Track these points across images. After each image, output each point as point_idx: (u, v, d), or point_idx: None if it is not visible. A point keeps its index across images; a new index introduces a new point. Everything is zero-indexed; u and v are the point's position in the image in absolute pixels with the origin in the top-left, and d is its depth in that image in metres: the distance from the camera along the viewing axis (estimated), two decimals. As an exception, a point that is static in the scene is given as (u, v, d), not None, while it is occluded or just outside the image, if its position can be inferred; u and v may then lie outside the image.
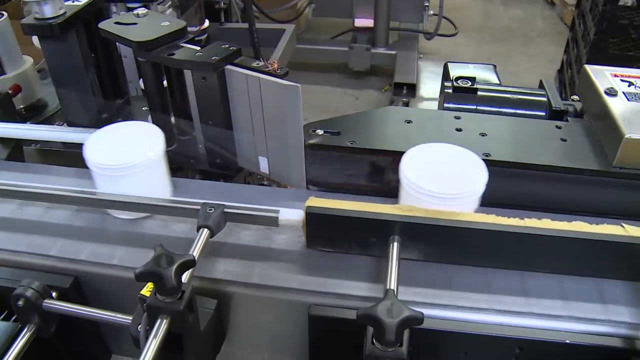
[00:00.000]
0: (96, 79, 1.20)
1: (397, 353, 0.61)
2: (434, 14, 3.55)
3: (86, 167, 1.00)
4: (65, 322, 0.82)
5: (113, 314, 0.77)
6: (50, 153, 1.19)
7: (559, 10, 4.69)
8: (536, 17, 4.72)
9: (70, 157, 1.18)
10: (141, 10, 0.99)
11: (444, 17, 3.58)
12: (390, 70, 3.45)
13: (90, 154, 0.85)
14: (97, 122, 1.20)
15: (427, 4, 3.53)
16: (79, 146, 1.14)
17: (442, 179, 0.77)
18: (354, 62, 3.54)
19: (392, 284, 0.68)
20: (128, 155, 0.83)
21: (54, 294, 0.79)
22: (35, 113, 1.30)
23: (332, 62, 3.67)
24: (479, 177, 0.77)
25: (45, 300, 0.78)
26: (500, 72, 1.20)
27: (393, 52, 3.49)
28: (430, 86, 3.51)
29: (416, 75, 3.32)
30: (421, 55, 3.79)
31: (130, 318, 0.73)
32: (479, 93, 1.05)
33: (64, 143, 1.19)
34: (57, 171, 1.01)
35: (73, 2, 1.11)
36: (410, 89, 3.17)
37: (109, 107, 1.24)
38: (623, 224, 0.73)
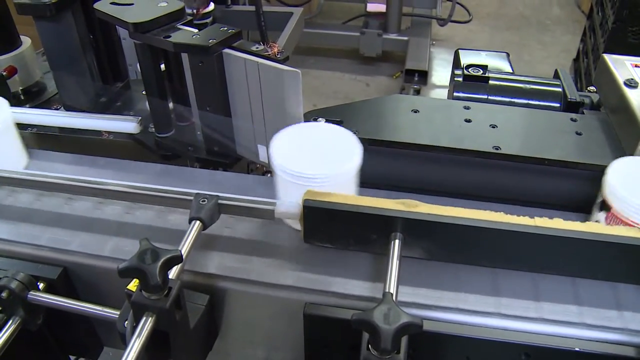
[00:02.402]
0: (94, 61, 1.16)
1: (395, 360, 0.57)
2: (447, 0, 3.48)
3: (82, 153, 0.98)
4: (55, 313, 0.79)
5: (100, 308, 0.74)
6: (47, 137, 1.16)
7: (576, -2, 4.60)
8: (552, 4, 4.63)
9: (67, 141, 1.15)
10: (138, -10, 0.95)
11: (458, 3, 3.51)
12: (402, 56, 3.39)
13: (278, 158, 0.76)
14: (95, 106, 1.17)
15: (440, -10, 3.47)
16: (76, 130, 1.12)
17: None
18: (365, 48, 3.49)
19: (392, 286, 0.64)
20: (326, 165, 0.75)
21: (41, 285, 0.77)
22: (33, 96, 1.26)
23: (343, 47, 3.62)
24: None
25: (31, 292, 0.75)
26: (514, 61, 1.15)
27: (405, 38, 3.43)
28: (442, 74, 3.45)
29: (428, 62, 3.26)
30: (434, 42, 3.72)
31: (117, 313, 0.70)
32: (491, 82, 1.00)
33: (60, 127, 1.16)
34: (50, 157, 0.97)
35: (70, -19, 1.07)
36: (422, 76, 3.12)
37: (108, 91, 1.20)
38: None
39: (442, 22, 3.58)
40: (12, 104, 0.94)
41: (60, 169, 0.94)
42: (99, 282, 0.80)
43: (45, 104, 1.24)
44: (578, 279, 0.73)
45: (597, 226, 0.68)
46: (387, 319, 0.54)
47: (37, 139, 1.17)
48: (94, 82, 1.16)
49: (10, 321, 0.76)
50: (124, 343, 0.67)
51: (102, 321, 0.84)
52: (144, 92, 1.22)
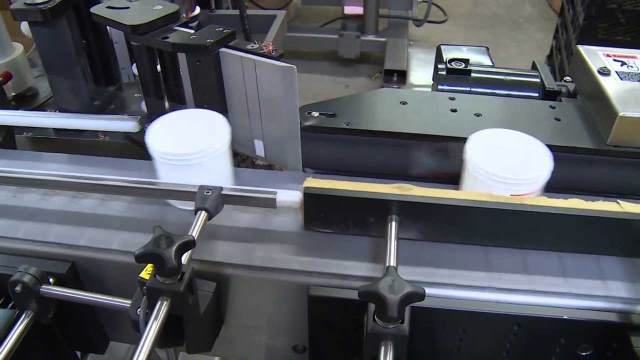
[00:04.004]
0: (88, 65, 1.19)
1: (400, 329, 0.61)
2: (423, 1, 3.55)
3: (79, 153, 1.00)
4: (63, 308, 0.82)
5: (111, 298, 0.77)
6: (43, 141, 1.19)
7: (547, -4, 4.71)
8: (524, 3, 4.73)
9: (63, 144, 1.18)
10: (133, -6, 0.98)
11: (433, 4, 3.58)
12: (380, 57, 3.45)
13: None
14: (89, 109, 1.20)
15: (416, -9, 3.54)
16: (72, 133, 1.15)
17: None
18: (343, 50, 3.54)
19: (392, 261, 0.69)
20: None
21: (51, 280, 0.79)
22: (27, 101, 1.29)
23: (322, 50, 3.67)
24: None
25: (43, 286, 0.77)
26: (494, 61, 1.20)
27: (383, 39, 3.49)
28: (420, 73, 3.52)
29: (406, 62, 3.32)
30: (411, 42, 3.79)
31: (129, 302, 0.73)
32: (473, 75, 1.05)
33: (56, 130, 1.19)
34: (51, 158, 1.00)
35: (63, -13, 1.10)
36: (401, 76, 3.18)
37: (101, 94, 1.23)
38: (618, 201, 0.74)
39: (419, 22, 3.64)
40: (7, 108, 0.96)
41: (60, 168, 0.97)
42: (106, 275, 0.82)
43: (40, 109, 1.27)
44: (563, 253, 0.78)
45: (579, 202, 0.74)
46: (392, 289, 0.58)
47: (32, 143, 1.20)
48: (87, 85, 1.18)
49: (24, 315, 0.78)
50: (136, 330, 0.70)
51: (110, 314, 0.87)
52: (136, 95, 1.26)
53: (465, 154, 0.80)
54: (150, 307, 0.67)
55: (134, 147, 1.11)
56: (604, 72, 0.94)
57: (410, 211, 0.74)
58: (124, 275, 0.79)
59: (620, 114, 0.83)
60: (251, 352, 0.88)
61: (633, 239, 0.74)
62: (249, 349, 0.88)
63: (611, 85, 0.90)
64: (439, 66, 1.07)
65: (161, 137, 0.83)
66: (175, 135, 0.84)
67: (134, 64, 1.14)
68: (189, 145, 0.81)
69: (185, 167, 0.81)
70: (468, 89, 1.04)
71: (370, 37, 3.52)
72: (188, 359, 1.33)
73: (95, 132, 1.15)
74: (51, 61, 1.13)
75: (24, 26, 1.28)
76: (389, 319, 0.60)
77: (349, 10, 3.65)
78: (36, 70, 1.37)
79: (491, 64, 1.14)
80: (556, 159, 0.87)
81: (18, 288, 0.76)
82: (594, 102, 0.93)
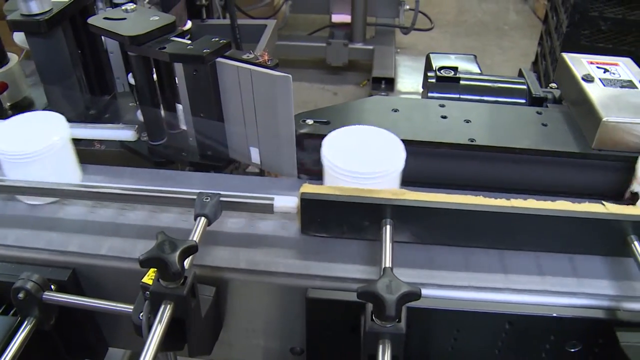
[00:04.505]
0: (83, 75, 1.21)
1: (397, 328, 0.63)
2: (410, 9, 3.59)
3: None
4: (63, 314, 0.83)
5: (113, 304, 0.79)
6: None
7: (531, 4, 4.77)
8: (509, 10, 4.79)
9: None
10: (130, 6, 1.00)
11: (420, 12, 3.62)
12: (368, 65, 3.49)
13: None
14: (85, 119, 1.21)
15: (402, -1, 3.58)
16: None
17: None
18: (331, 58, 3.57)
19: (388, 262, 0.71)
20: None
21: (52, 287, 0.80)
22: (23, 111, 1.30)
23: (310, 58, 3.70)
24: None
25: (45, 293, 0.79)
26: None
27: (370, 47, 3.53)
28: (407, 80, 3.56)
29: (394, 69, 3.35)
30: (398, 50, 3.83)
31: (130, 307, 0.75)
32: (462, 82, 1.08)
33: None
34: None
35: (59, -1, 1.12)
36: (389, 83, 3.22)
37: (97, 103, 1.25)
38: (603, 202, 0.77)
39: (405, 30, 3.69)
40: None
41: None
42: (106, 281, 0.84)
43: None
44: (552, 253, 0.80)
45: (566, 204, 0.76)
46: (389, 289, 0.61)
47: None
48: (83, 95, 1.20)
49: (26, 322, 0.79)
50: (139, 334, 0.71)
51: (109, 320, 0.89)
52: (131, 104, 1.28)
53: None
54: (154, 312, 0.68)
55: (130, 156, 1.13)
56: (588, 79, 0.97)
57: (404, 215, 0.77)
58: (123, 281, 0.81)
59: (604, 119, 0.86)
60: (249, 355, 0.90)
61: (617, 238, 0.76)
62: (247, 352, 0.90)
63: (595, 92, 0.93)
64: (429, 74, 1.10)
65: (338, 151, 0.84)
66: (351, 151, 0.84)
67: (129, 74, 1.16)
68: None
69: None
70: (457, 96, 1.06)
71: (358, 45, 3.55)
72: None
73: (90, 141, 1.16)
74: (47, 71, 1.15)
75: (17, 36, 1.30)
76: (387, 318, 0.62)
77: (337, 18, 3.69)
78: (32, 81, 1.38)
79: (479, 71, 1.17)
80: (543, 163, 0.90)
81: (21, 295, 0.78)
82: (578, 108, 0.96)
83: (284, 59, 3.60)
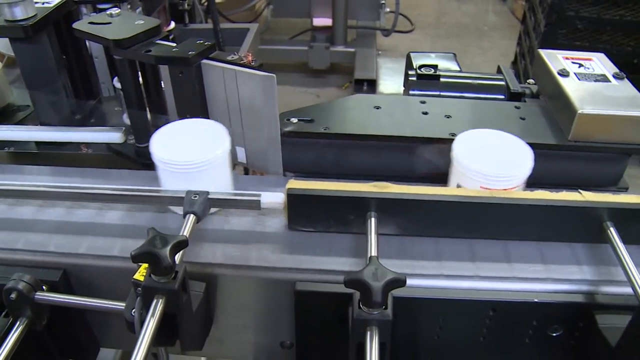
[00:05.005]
0: (68, 80, 1.22)
1: (383, 315, 0.65)
2: (390, 11, 3.63)
3: (61, 164, 1.03)
4: (55, 315, 0.84)
5: (105, 302, 0.79)
6: (25, 155, 1.20)
7: (509, 5, 4.84)
8: (488, 12, 4.86)
9: (45, 158, 1.20)
10: (114, 10, 1.02)
11: (400, 14, 3.66)
12: (350, 67, 3.52)
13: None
14: (71, 123, 1.22)
15: (383, 2, 3.62)
16: (54, 146, 1.17)
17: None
18: (313, 61, 3.60)
19: (374, 251, 0.73)
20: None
21: (44, 288, 0.81)
22: (8, 117, 1.30)
23: (292, 61, 3.72)
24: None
25: (37, 293, 0.80)
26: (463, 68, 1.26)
27: (352, 50, 3.56)
28: (389, 82, 3.59)
29: (376, 71, 3.39)
30: (379, 52, 3.87)
31: (122, 305, 0.76)
32: (442, 80, 1.10)
33: (38, 144, 1.21)
34: (35, 170, 1.02)
35: (43, 4, 1.13)
36: (371, 85, 3.25)
37: (82, 108, 1.26)
38: (580, 191, 0.80)
39: (386, 32, 3.72)
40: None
41: (45, 180, 0.99)
42: (97, 281, 0.85)
43: (21, 124, 1.29)
44: (532, 242, 0.83)
45: (544, 193, 0.79)
46: (375, 277, 0.63)
47: (14, 158, 1.22)
48: (68, 99, 1.21)
49: (18, 322, 0.80)
50: (131, 331, 0.73)
51: (100, 320, 0.90)
52: (116, 109, 1.29)
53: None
54: (146, 307, 0.70)
55: (116, 159, 1.14)
56: (564, 73, 1.00)
57: (387, 207, 0.79)
58: (114, 280, 0.82)
59: (579, 111, 0.89)
60: (240, 351, 0.91)
61: (594, 225, 0.79)
62: (237, 347, 0.91)
63: (570, 86, 0.96)
64: (410, 72, 1.12)
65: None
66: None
67: (115, 78, 1.17)
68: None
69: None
70: (438, 93, 1.09)
71: (340, 48, 3.59)
72: (178, 361, 1.35)
73: (77, 145, 1.17)
74: (32, 76, 1.15)
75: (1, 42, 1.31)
76: (374, 305, 0.64)
77: (318, 22, 3.72)
78: (16, 86, 1.38)
79: (459, 69, 1.19)
80: (522, 155, 0.92)
81: (13, 295, 0.78)
82: (555, 102, 0.99)
83: (266, 63, 3.59)
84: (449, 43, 4.18)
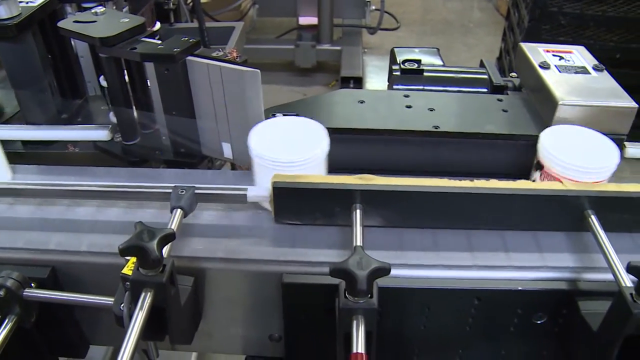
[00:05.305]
0: (54, 79, 1.22)
1: (369, 303, 0.66)
2: (375, 9, 3.65)
3: (48, 164, 1.03)
4: (44, 312, 0.84)
5: (94, 297, 0.80)
6: (11, 155, 1.20)
7: (494, 2, 4.87)
8: (473, 9, 4.89)
9: (31, 157, 1.20)
10: (99, 9, 1.02)
11: (386, 12, 3.68)
12: (336, 65, 3.53)
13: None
14: (57, 123, 1.22)
15: (368, 0, 3.63)
16: (40, 146, 1.17)
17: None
18: (300, 60, 3.61)
19: (359, 241, 0.74)
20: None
21: (32, 285, 0.82)
22: (-9, 117, 1.31)
23: (279, 60, 3.73)
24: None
25: (26, 290, 0.80)
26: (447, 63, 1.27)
27: (338, 48, 3.58)
28: (375, 79, 3.61)
29: (362, 69, 3.40)
30: (365, 50, 3.88)
31: (111, 300, 0.77)
32: (425, 74, 1.12)
33: (24, 144, 1.21)
34: (22, 170, 1.02)
35: (27, 3, 1.13)
36: (357, 83, 3.26)
37: (68, 107, 1.26)
38: (562, 180, 0.81)
39: (372, 30, 3.74)
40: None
41: (32, 178, 0.99)
42: (85, 277, 0.85)
43: (7, 124, 1.28)
44: (515, 231, 0.84)
45: (526, 183, 0.80)
46: (360, 266, 0.64)
47: (0, 158, 1.21)
48: (54, 99, 1.21)
49: (7, 320, 0.80)
50: (120, 325, 0.73)
51: (90, 317, 0.90)
52: (103, 108, 1.29)
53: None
54: (134, 301, 0.70)
55: (104, 157, 1.14)
56: (545, 66, 1.01)
57: (372, 199, 0.80)
58: (103, 276, 0.82)
59: (560, 102, 0.91)
60: (229, 345, 0.92)
61: (576, 213, 0.81)
62: (226, 341, 0.92)
63: (551, 78, 0.98)
64: (393, 67, 1.13)
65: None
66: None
67: (101, 77, 1.17)
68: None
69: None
70: (421, 87, 1.10)
71: (326, 47, 3.60)
72: (168, 357, 1.35)
73: (64, 144, 1.17)
74: (18, 76, 1.16)
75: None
76: (359, 293, 0.65)
77: (304, 20, 3.73)
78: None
79: (442, 63, 1.21)
80: (504, 147, 0.94)
81: (1, 292, 0.78)
82: (536, 94, 1.01)
83: (253, 63, 3.61)
84: (435, 40, 4.20)
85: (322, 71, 3.70)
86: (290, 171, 0.82)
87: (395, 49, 1.22)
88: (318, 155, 0.84)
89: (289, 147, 0.84)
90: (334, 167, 0.94)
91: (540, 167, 0.87)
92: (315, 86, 3.60)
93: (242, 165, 1.02)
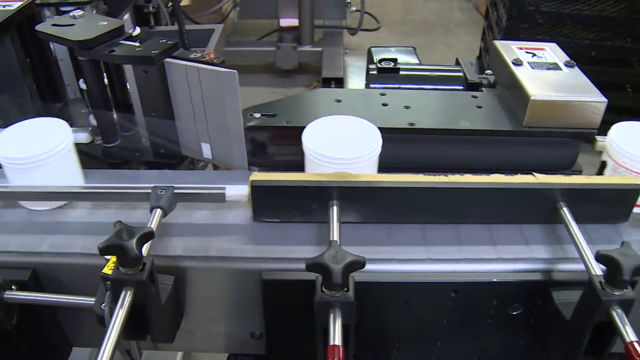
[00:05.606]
0: (33, 83, 1.22)
1: (345, 297, 0.67)
2: (356, 10, 3.67)
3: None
4: (25, 315, 0.84)
5: (75, 298, 0.80)
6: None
7: (474, 1, 4.91)
8: (453, 8, 4.92)
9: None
10: (77, 12, 1.03)
11: (366, 13, 3.70)
12: (318, 66, 3.55)
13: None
14: (37, 126, 1.22)
15: (349, 1, 3.65)
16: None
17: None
18: (281, 61, 3.62)
19: (335, 236, 0.75)
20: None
21: (13, 287, 0.82)
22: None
23: (260, 62, 3.74)
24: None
25: (6, 292, 0.80)
26: (423, 62, 1.29)
27: (319, 49, 3.59)
28: (357, 80, 3.63)
29: (343, 69, 3.42)
30: (346, 51, 3.90)
31: (92, 300, 0.77)
32: (401, 72, 1.13)
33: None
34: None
35: (4, 7, 1.13)
36: (339, 83, 3.27)
37: (48, 111, 1.26)
38: (534, 173, 0.83)
39: (353, 31, 3.76)
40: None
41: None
42: (66, 279, 0.85)
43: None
44: (490, 224, 0.86)
45: (500, 177, 0.82)
46: (335, 260, 0.65)
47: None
48: (34, 102, 1.21)
49: (-13, 322, 0.81)
50: (102, 324, 0.74)
51: (71, 319, 0.90)
52: (83, 111, 1.30)
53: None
54: (115, 299, 0.71)
55: (84, 160, 1.14)
56: (517, 62, 1.04)
57: (349, 195, 0.81)
58: (83, 277, 0.83)
59: (532, 97, 0.93)
60: (211, 343, 0.93)
61: (548, 206, 0.83)
62: (209, 339, 0.92)
63: (524, 74, 1.00)
64: (370, 67, 1.15)
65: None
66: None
67: (80, 80, 1.18)
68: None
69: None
70: (397, 86, 1.12)
71: (307, 48, 3.61)
72: (152, 358, 1.36)
73: (44, 148, 1.17)
74: (-2, 81, 1.16)
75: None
76: (335, 287, 0.66)
77: (285, 22, 3.74)
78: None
79: (418, 62, 1.23)
80: (479, 142, 0.96)
81: (-18, 296, 0.79)
82: (510, 90, 1.03)
83: (234, 65, 3.60)
84: (415, 40, 4.22)
85: (303, 72, 3.71)
86: (342, 169, 0.83)
87: (372, 49, 1.23)
88: (372, 154, 0.86)
89: (344, 145, 0.86)
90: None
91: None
92: (297, 87, 3.60)
93: (222, 164, 1.03)
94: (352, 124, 0.91)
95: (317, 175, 0.82)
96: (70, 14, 1.03)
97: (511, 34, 2.81)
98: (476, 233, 0.85)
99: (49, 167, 0.86)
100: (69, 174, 0.92)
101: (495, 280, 0.79)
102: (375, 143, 0.86)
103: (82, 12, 1.04)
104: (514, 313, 0.82)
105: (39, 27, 1.01)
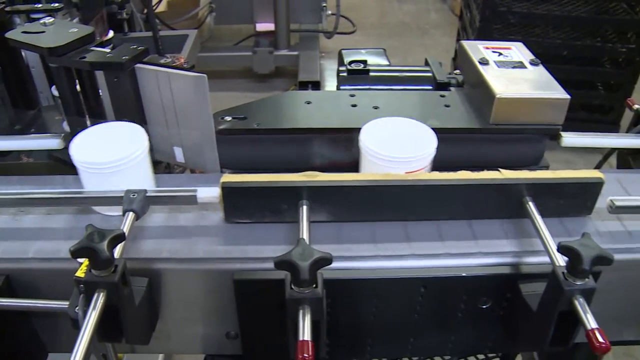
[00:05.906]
0: (5, 91, 1.22)
1: (314, 293, 0.69)
2: (332, 14, 3.69)
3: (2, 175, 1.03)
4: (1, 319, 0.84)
5: (48, 302, 0.81)
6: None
7: (449, 3, 4.96)
8: (429, 10, 4.97)
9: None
10: (48, 19, 1.03)
11: (342, 16, 3.72)
12: (294, 70, 3.57)
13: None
14: (10, 134, 1.22)
15: (324, 5, 3.67)
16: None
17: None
18: (258, 66, 3.64)
19: (304, 235, 0.77)
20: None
21: (-14, 295, 0.82)
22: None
23: (237, 67, 3.75)
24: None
25: (-22, 300, 0.81)
26: (400, 64, 1.31)
27: (295, 53, 3.61)
28: (333, 83, 3.60)
29: (319, 73, 3.44)
30: (323, 54, 3.92)
31: (66, 303, 0.78)
32: (371, 74, 1.15)
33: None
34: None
35: (-26, 16, 1.13)
36: (315, 87, 3.29)
37: (22, 118, 1.26)
38: (500, 170, 0.85)
39: (329, 34, 3.79)
40: None
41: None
42: (41, 285, 0.85)
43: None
44: (457, 220, 0.88)
45: (466, 173, 0.84)
46: (303, 257, 0.66)
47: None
48: (7, 110, 1.21)
49: (-41, 331, 0.81)
50: (75, 328, 0.74)
51: (47, 324, 0.90)
52: (57, 118, 1.30)
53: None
54: (88, 302, 0.71)
55: (58, 167, 1.14)
56: (484, 62, 1.06)
57: (318, 195, 0.83)
58: (57, 281, 0.83)
59: (498, 95, 0.95)
60: (188, 344, 0.93)
61: (514, 201, 0.85)
62: (185, 341, 0.93)
63: (490, 73, 1.02)
64: (340, 68, 1.17)
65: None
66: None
67: (53, 86, 1.18)
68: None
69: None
70: (367, 87, 1.14)
71: (283, 52, 3.63)
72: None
73: (18, 155, 1.18)
74: (-32, 89, 1.16)
75: None
76: (303, 283, 0.67)
77: (261, 27, 3.76)
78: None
79: (388, 63, 1.25)
80: (447, 140, 0.98)
81: (-46, 303, 0.79)
82: (477, 89, 1.05)
83: (211, 70, 3.60)
84: (392, 42, 4.26)
85: (280, 77, 3.73)
86: (394, 168, 0.86)
87: (343, 51, 1.25)
88: (429, 153, 0.89)
89: (399, 145, 0.88)
90: (281, 167, 0.97)
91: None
92: (274, 91, 3.61)
93: (195, 168, 1.04)
94: (408, 125, 0.94)
95: (286, 176, 0.83)
96: (41, 21, 1.04)
97: (484, 35, 2.85)
98: (445, 228, 0.87)
99: (126, 172, 0.87)
100: (144, 179, 0.92)
101: (464, 274, 0.80)
102: (431, 144, 0.90)
103: (53, 19, 1.04)
104: (484, 307, 0.83)
105: (9, 35, 1.01)
